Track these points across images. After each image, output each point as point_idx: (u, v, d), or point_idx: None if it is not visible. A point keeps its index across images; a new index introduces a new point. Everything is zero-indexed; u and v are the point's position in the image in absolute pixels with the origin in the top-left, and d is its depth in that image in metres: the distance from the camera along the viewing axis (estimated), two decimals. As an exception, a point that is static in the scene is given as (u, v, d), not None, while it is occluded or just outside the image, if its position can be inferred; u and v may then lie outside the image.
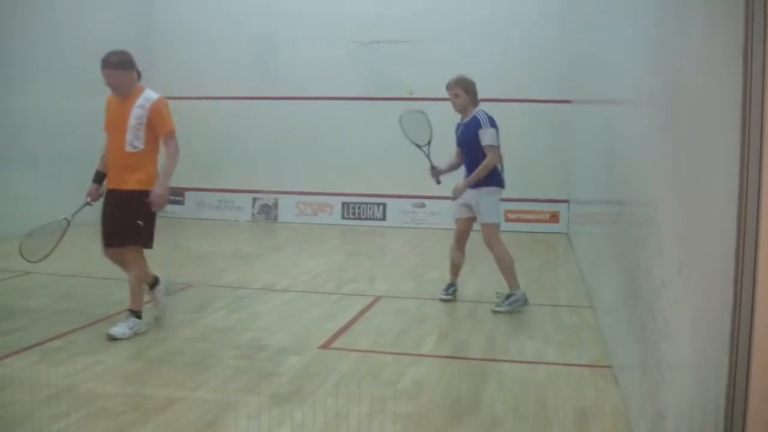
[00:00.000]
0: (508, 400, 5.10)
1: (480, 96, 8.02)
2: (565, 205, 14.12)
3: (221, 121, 15.58)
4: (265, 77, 15.47)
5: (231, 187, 15.71)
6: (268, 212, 15.59)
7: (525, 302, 7.78)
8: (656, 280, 3.79)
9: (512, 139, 14.09)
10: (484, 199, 7.80)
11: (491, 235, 7.86)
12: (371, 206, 15.12)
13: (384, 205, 14.93)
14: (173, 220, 15.63)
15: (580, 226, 11.12)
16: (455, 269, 8.33)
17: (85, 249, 10.88)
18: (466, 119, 7.92)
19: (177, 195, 15.89)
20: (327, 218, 15.32)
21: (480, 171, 7.69)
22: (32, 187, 12.19)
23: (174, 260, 10.73)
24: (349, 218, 15.25)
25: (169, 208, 15.89)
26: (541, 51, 14.14)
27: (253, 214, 15.68)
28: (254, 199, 15.64)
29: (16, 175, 11.88)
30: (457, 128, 8.08)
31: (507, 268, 7.86)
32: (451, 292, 8.24)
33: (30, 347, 6.11)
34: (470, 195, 7.85)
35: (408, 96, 14.59)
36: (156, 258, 10.89)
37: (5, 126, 11.79)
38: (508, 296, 7.77)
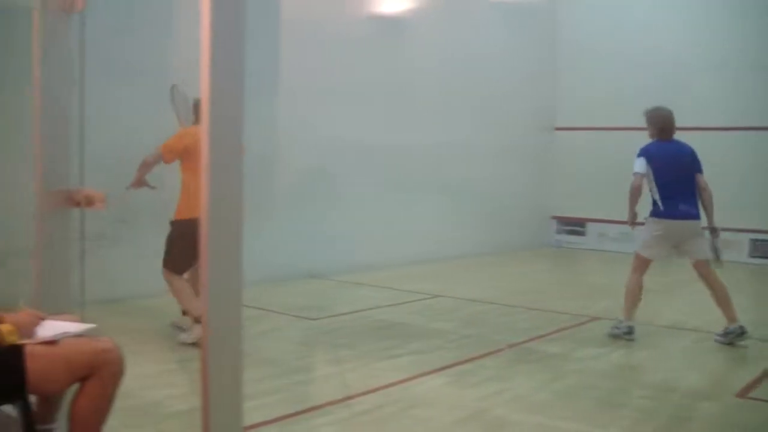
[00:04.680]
0: None
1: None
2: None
3: (625, 152, 15.27)
4: (674, 106, 14.91)
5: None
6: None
7: (627, 333, 7.64)
8: None
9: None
10: (641, 228, 7.94)
11: (634, 261, 7.96)
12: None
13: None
14: (575, 250, 15.67)
15: None
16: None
17: (487, 276, 11.29)
18: None
19: (578, 225, 15.92)
20: (733, 255, 14.41)
21: (629, 201, 7.87)
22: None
23: (576, 292, 10.74)
24: (758, 257, 14.24)
25: (570, 238, 16.02)
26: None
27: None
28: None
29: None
30: None
31: (630, 296, 7.83)
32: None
33: (443, 368, 6.38)
34: None
35: None
36: (558, 288, 11.05)
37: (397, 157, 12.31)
38: (620, 322, 7.76)
